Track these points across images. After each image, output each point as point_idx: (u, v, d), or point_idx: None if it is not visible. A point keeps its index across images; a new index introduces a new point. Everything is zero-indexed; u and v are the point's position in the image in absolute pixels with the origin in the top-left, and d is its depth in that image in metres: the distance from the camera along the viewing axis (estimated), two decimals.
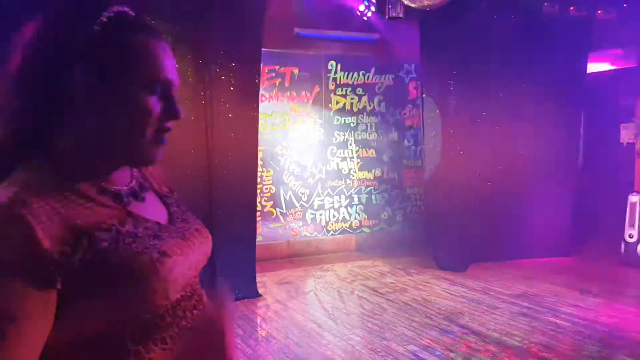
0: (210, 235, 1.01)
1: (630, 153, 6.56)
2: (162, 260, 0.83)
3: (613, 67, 7.05)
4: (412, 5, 4.94)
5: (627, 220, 6.04)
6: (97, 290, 0.78)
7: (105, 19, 0.82)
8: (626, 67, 6.71)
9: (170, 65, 0.87)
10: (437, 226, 6.17)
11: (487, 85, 6.01)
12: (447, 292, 5.12)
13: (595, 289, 5.11)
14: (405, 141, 7.39)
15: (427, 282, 5.49)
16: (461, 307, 4.67)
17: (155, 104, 0.85)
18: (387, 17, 5.29)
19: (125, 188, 0.90)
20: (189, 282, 0.92)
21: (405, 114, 7.33)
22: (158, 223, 0.90)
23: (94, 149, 0.85)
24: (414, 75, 7.26)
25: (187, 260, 0.89)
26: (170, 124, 0.88)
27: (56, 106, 0.82)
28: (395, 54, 7.03)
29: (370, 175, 7.21)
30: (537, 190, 6.29)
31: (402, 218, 7.42)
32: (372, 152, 7.20)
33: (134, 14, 0.87)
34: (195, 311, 0.91)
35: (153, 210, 0.94)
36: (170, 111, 0.87)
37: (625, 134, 6.51)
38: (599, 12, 5.97)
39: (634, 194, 6.08)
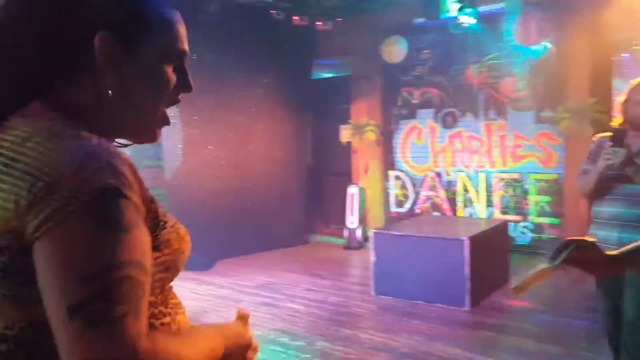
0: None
1: (348, 151, 7.53)
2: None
3: (332, 75, 7.97)
4: None
5: (348, 209, 6.91)
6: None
7: None
8: (342, 75, 7.65)
9: (184, 35, 0.85)
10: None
11: (224, 88, 6.18)
12: (194, 293, 5.11)
13: (325, 273, 5.72)
14: None
15: (175, 285, 5.38)
16: (208, 305, 4.72)
17: (172, 75, 0.83)
18: None
19: None
20: None
21: None
22: None
23: (112, 114, 0.80)
24: None
25: None
26: (180, 96, 0.87)
27: (67, 63, 0.77)
28: None
29: None
30: (274, 186, 6.76)
31: None
32: None
33: None
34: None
35: None
36: (184, 83, 0.86)
37: (344, 134, 7.43)
38: (318, 22, 6.68)
39: (352, 186, 7.00)
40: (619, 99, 2.78)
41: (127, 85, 0.79)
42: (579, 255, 1.23)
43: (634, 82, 2.73)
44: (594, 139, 2.87)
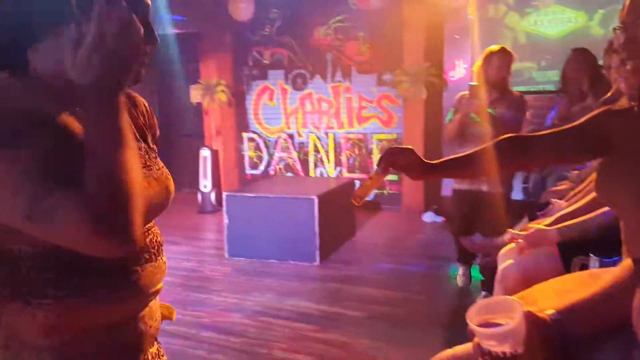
0: (170, 186, 1.10)
1: (200, 112, 7.32)
2: None
3: (179, 32, 7.59)
4: None
5: (201, 172, 6.78)
6: None
7: None
8: (190, 32, 7.33)
9: None
10: None
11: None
12: None
13: (178, 239, 5.59)
14: None
15: None
16: None
17: (140, 25, 0.85)
18: None
19: None
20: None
21: None
22: None
23: (83, 71, 0.83)
24: None
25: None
26: (149, 48, 0.92)
27: (35, 28, 0.85)
28: None
29: None
30: None
31: None
32: None
33: None
34: (152, 240, 1.10)
35: None
36: (151, 36, 0.91)
37: (194, 95, 7.19)
38: None
39: (205, 148, 6.86)
40: (477, 63, 3.52)
41: (105, 32, 0.81)
42: (399, 159, 1.41)
43: (489, 49, 3.45)
44: (457, 97, 3.62)
